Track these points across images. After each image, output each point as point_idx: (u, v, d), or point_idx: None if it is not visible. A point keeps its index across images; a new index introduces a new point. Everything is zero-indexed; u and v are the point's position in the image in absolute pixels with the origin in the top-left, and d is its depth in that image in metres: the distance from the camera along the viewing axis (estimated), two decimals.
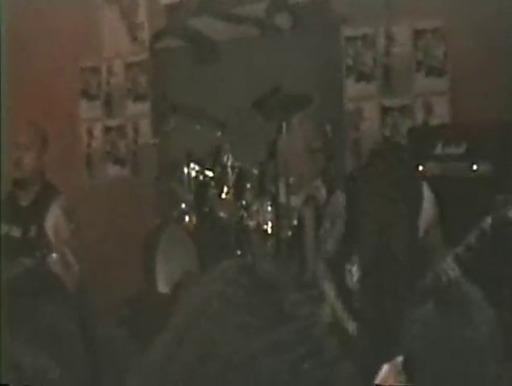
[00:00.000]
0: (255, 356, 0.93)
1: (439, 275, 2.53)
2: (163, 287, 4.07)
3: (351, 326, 2.92)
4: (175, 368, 0.99)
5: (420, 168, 3.92)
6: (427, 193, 3.15)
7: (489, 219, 2.64)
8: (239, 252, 3.99)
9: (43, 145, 3.93)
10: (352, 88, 5.01)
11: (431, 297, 1.70)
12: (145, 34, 5.74)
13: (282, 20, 5.40)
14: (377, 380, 1.47)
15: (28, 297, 1.33)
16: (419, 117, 4.70)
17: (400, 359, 1.53)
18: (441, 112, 4.62)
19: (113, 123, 5.76)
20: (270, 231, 4.00)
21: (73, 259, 3.60)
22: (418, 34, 4.89)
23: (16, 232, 3.81)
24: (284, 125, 4.10)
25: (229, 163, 4.18)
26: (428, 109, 4.68)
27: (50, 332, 1.27)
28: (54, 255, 3.47)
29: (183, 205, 4.26)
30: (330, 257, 3.13)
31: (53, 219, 3.79)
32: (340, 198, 3.15)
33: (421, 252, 3.01)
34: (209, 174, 4.23)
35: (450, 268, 2.51)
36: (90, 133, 5.82)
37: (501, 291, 2.94)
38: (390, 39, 4.99)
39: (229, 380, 0.94)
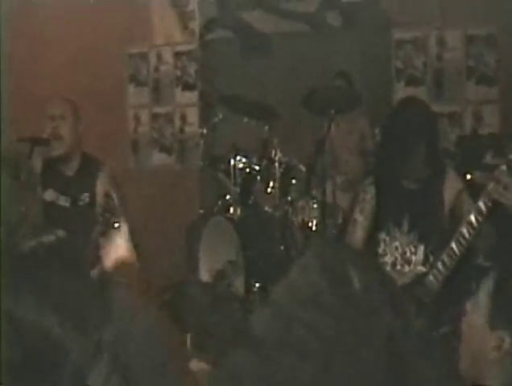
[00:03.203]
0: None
1: None
2: (204, 275, 4.11)
3: None
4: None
5: (468, 176, 3.91)
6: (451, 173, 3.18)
7: None
8: (282, 247, 4.01)
9: (76, 116, 3.87)
10: (401, 91, 5.01)
11: None
12: (195, 24, 5.76)
13: (334, 18, 5.41)
14: None
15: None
16: (469, 124, 4.69)
17: None
18: (491, 121, 4.61)
19: (160, 110, 5.81)
20: (314, 228, 4.02)
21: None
22: (470, 39, 4.87)
23: (64, 202, 3.79)
24: (333, 122, 4.09)
25: (277, 158, 4.18)
26: (478, 117, 4.66)
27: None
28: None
29: (228, 196, 4.29)
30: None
31: (102, 187, 3.73)
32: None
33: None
34: (256, 167, 4.24)
35: None
36: (138, 118, 5.88)
37: None
38: (441, 43, 4.98)
39: None
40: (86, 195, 3.74)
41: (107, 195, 3.59)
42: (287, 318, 0.97)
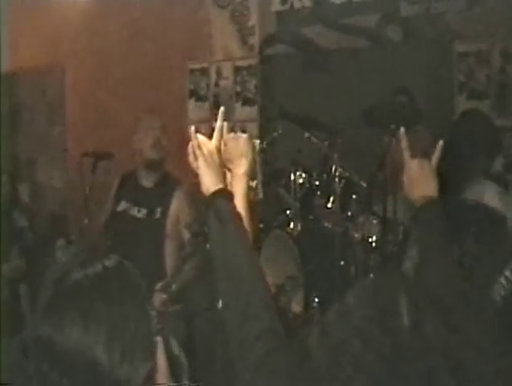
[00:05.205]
0: None
1: None
2: None
3: None
4: None
5: None
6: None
7: None
8: (342, 263, 3.99)
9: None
10: (463, 105, 4.93)
11: None
12: (255, 39, 5.80)
13: (394, 32, 5.37)
14: None
15: None
16: None
17: None
18: None
19: None
20: (374, 244, 3.98)
21: (190, 247, 3.67)
22: None
23: (140, 213, 3.88)
24: (394, 138, 4.05)
25: (337, 173, 4.17)
26: None
27: None
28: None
29: (288, 211, 4.29)
30: None
31: (177, 202, 3.88)
32: None
33: None
34: (316, 182, 4.24)
35: None
36: (197, 133, 5.92)
37: None
38: (505, 55, 4.89)
39: None
40: (159, 209, 3.83)
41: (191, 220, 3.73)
42: (334, 346, 0.96)
